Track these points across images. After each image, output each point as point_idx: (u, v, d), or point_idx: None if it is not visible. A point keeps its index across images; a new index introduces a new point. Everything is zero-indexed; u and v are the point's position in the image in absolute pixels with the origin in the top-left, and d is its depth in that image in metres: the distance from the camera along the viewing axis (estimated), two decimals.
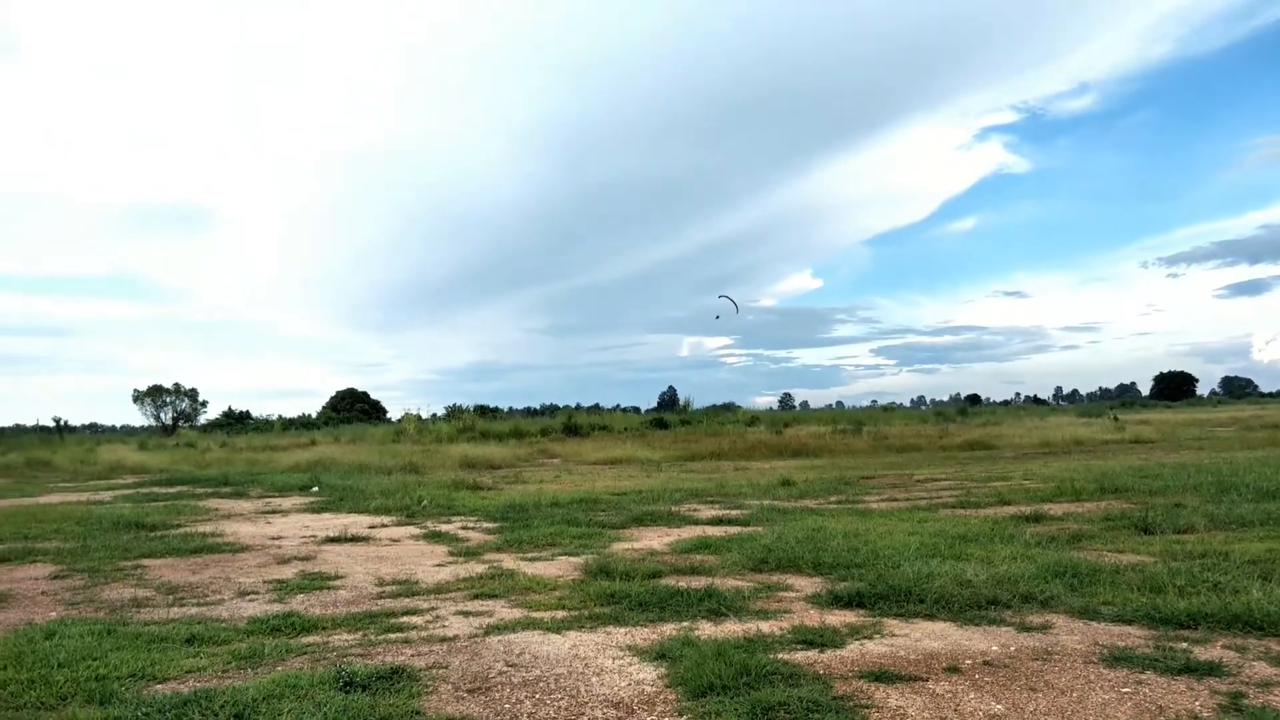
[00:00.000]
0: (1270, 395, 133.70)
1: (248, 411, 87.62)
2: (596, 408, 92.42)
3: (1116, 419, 53.74)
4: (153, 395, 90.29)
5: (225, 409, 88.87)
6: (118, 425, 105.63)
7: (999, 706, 4.96)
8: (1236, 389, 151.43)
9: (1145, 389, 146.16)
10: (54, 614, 8.08)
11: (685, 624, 7.03)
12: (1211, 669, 5.47)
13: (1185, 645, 6.02)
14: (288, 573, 10.10)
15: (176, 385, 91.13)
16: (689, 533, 12.40)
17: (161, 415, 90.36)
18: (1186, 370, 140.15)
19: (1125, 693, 5.13)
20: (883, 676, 5.51)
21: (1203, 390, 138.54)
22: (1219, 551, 9.18)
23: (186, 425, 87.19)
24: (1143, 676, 5.42)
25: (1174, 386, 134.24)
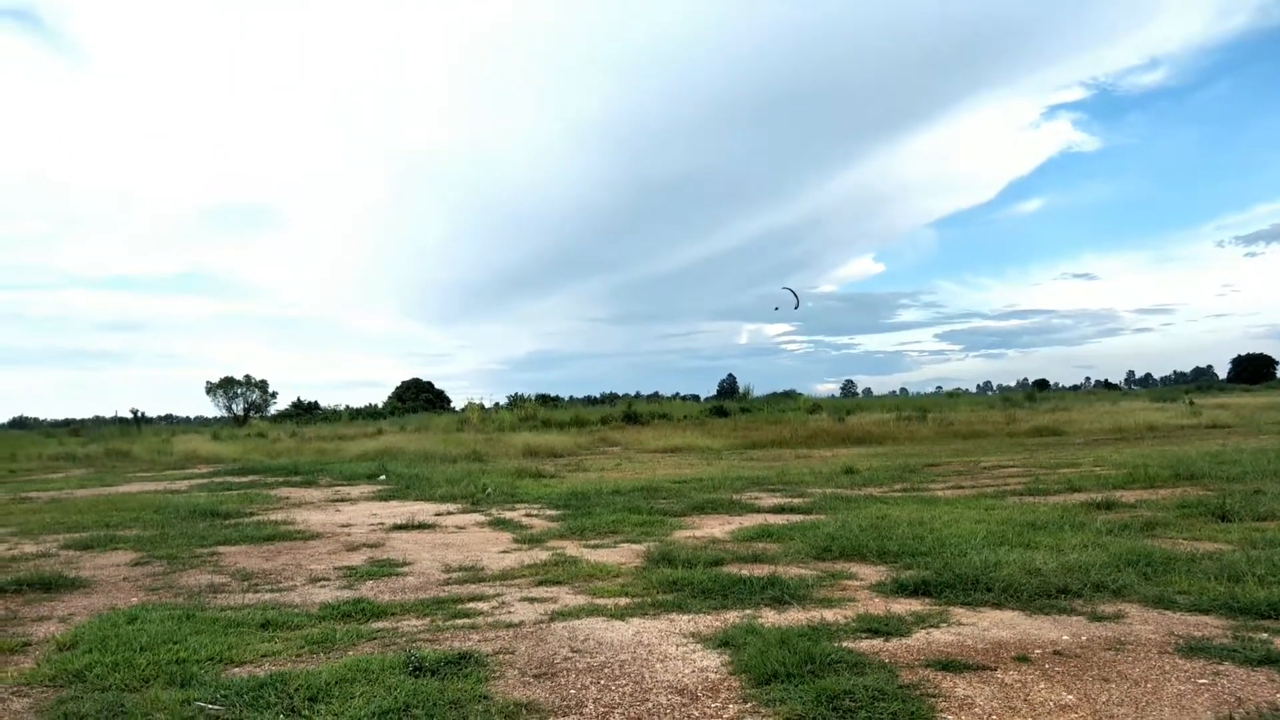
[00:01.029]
0: None
1: (316, 402, 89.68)
2: (656, 396, 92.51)
3: (1192, 403, 52.13)
4: (225, 387, 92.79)
5: (294, 400, 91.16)
6: (191, 417, 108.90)
7: (1070, 697, 4.88)
8: None
9: (1222, 372, 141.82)
10: (135, 599, 8.37)
11: (748, 611, 7.03)
12: None
13: (1265, 636, 5.84)
14: (357, 559, 10.32)
15: (247, 377, 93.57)
16: (751, 521, 12.37)
17: (233, 406, 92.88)
18: (1266, 352, 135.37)
19: (1202, 684, 5.01)
20: (950, 665, 5.45)
21: None
22: None
23: (257, 416, 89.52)
24: (1220, 667, 5.28)
25: (1252, 369, 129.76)
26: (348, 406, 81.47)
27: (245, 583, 9.13)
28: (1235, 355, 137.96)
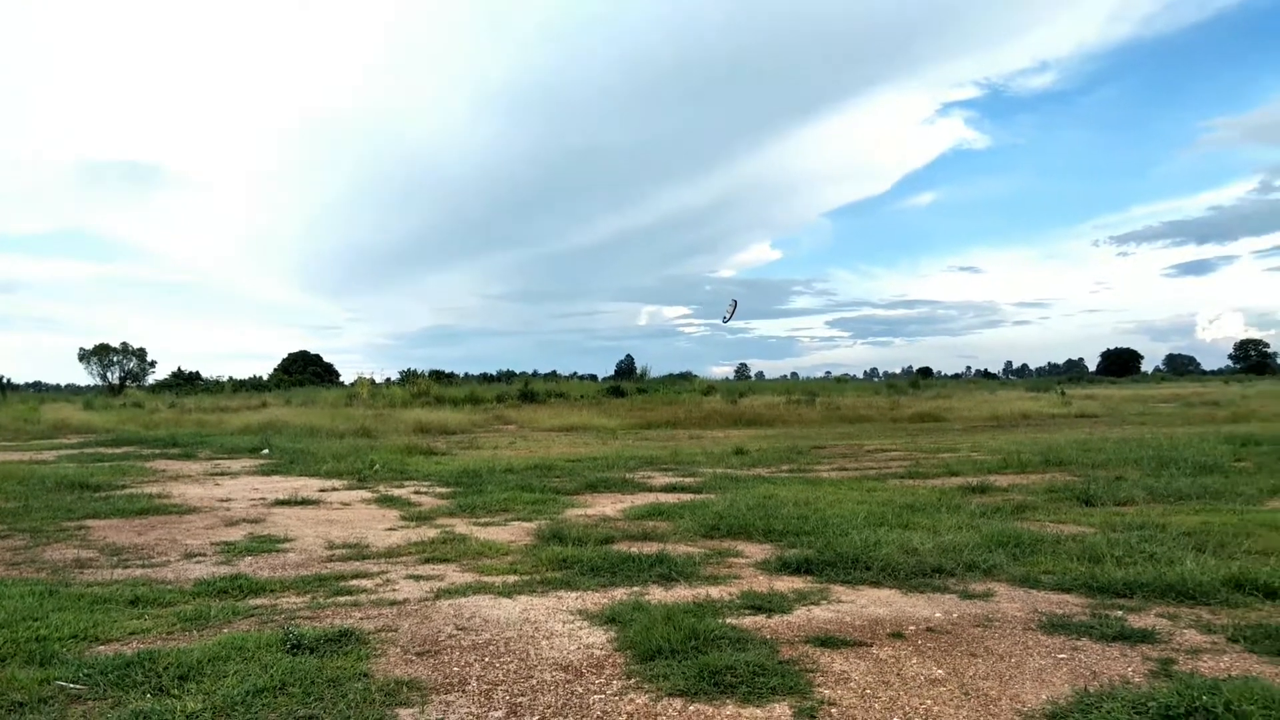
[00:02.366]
0: (1211, 373, 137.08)
1: (197, 372, 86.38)
2: (554, 375, 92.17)
3: (1063, 394, 54.92)
4: (99, 354, 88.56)
5: (174, 369, 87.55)
6: (62, 384, 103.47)
7: (940, 671, 5.07)
8: (1179, 366, 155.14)
9: (1092, 365, 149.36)
10: None
11: (636, 589, 7.08)
12: (1144, 636, 5.63)
13: (1121, 613, 6.19)
14: (236, 535, 10.00)
15: (124, 345, 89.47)
16: (643, 499, 12.47)
17: (108, 375, 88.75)
18: (1132, 347, 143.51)
19: (1061, 658, 5.28)
20: (828, 642, 5.61)
21: (1147, 367, 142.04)
22: (1156, 523, 9.44)
23: (134, 385, 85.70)
24: (1079, 643, 5.57)
25: (1120, 363, 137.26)
26: (231, 378, 78.57)
27: (114, 558, 8.74)
28: (1105, 349, 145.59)
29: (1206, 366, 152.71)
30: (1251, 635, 5.56)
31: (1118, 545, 8.11)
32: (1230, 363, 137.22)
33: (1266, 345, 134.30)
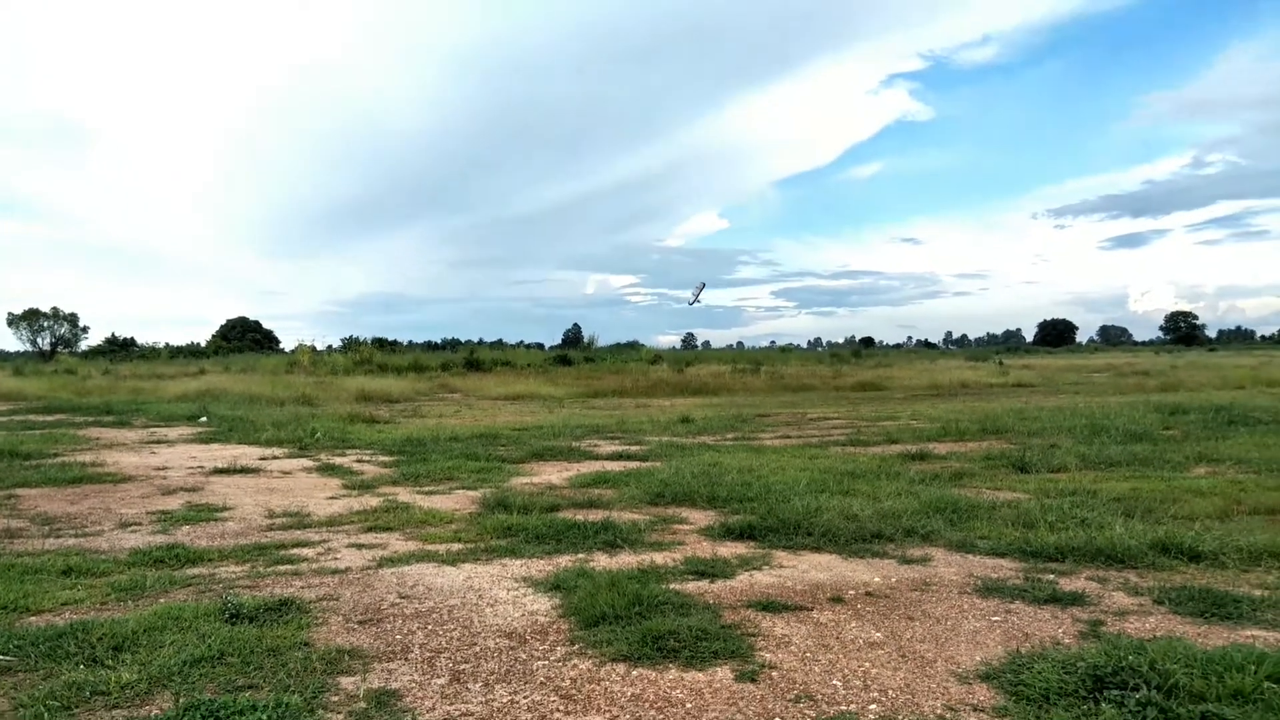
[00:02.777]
0: (1143, 344, 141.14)
1: (132, 339, 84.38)
2: (500, 343, 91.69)
3: (1001, 363, 56.09)
4: (29, 320, 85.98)
5: (108, 335, 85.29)
6: None
7: (878, 634, 5.18)
8: (1113, 337, 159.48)
9: (1029, 335, 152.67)
10: None
11: (581, 556, 7.10)
12: (1075, 599, 5.80)
13: (1052, 577, 6.36)
14: (173, 504, 9.81)
15: (55, 309, 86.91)
16: (588, 467, 12.48)
17: (39, 340, 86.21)
18: (1068, 318, 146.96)
19: (995, 621, 5.42)
20: (770, 606, 5.69)
21: (1081, 338, 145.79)
22: (1088, 490, 9.71)
23: (66, 351, 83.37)
24: (1012, 606, 5.72)
25: (1055, 334, 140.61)
26: (167, 344, 76.88)
27: (46, 527, 8.53)
28: (1041, 320, 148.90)
29: (1138, 337, 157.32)
30: (1176, 597, 5.76)
31: (1051, 511, 8.32)
32: (1161, 334, 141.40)
33: (1195, 317, 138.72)
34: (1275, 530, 7.56)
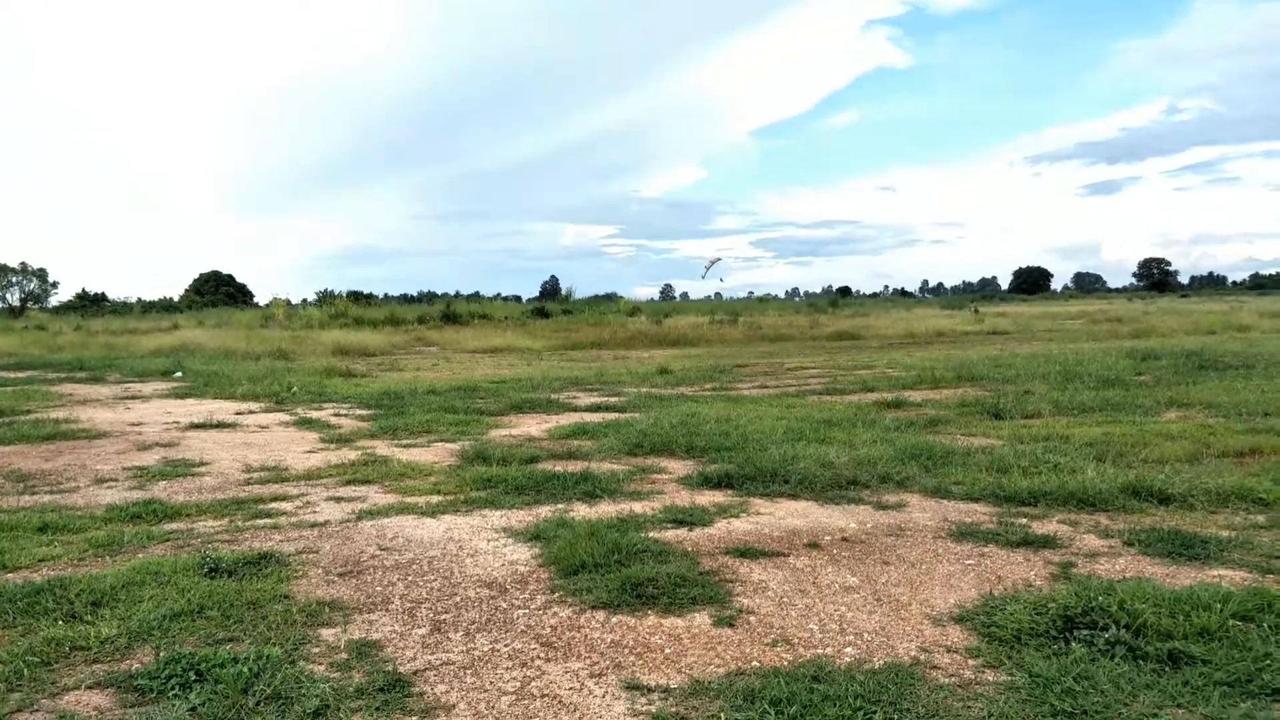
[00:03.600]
0: (1116, 290, 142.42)
1: (104, 294, 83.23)
2: (477, 296, 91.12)
3: (977, 311, 56.50)
4: None
5: (79, 291, 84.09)
6: None
7: (854, 579, 5.25)
8: (1087, 284, 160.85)
9: (1005, 283, 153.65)
10: None
11: (561, 506, 7.14)
12: (1047, 542, 5.90)
13: (1025, 521, 6.46)
14: (149, 460, 9.75)
15: (23, 265, 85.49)
16: (567, 419, 12.50)
17: (7, 297, 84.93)
18: (1043, 266, 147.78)
19: (969, 564, 5.51)
20: (747, 552, 5.75)
21: (1056, 285, 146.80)
22: (1061, 435, 9.84)
23: (36, 307, 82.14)
24: (985, 550, 5.82)
25: (1030, 281, 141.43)
26: (140, 299, 75.84)
27: (20, 484, 8.45)
28: (1017, 268, 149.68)
29: (1112, 284, 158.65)
30: (1145, 539, 5.87)
31: (1024, 456, 8.43)
32: (1134, 280, 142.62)
33: (1168, 263, 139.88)
34: (1243, 473, 7.71)
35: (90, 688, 3.85)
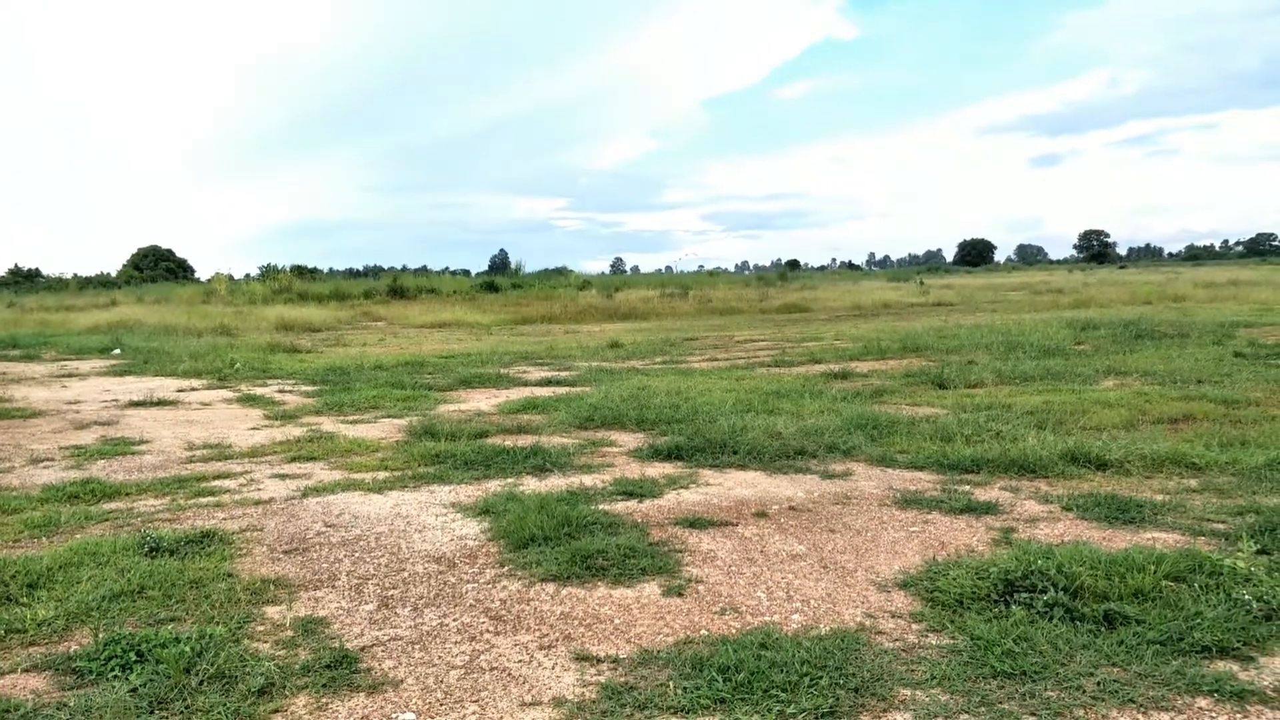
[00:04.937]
0: (1058, 262, 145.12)
1: (37, 269, 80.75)
2: (424, 270, 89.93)
3: (922, 283, 57.28)
4: None
5: (11, 266, 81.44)
6: None
7: (801, 547, 5.31)
8: (1029, 256, 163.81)
9: (950, 255, 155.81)
10: None
11: (510, 480, 7.11)
12: (989, 508, 6.02)
13: (968, 488, 6.59)
14: (87, 438, 9.51)
15: None
16: (517, 394, 12.45)
17: None
18: (987, 238, 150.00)
19: (913, 531, 5.60)
20: (696, 523, 5.79)
21: (1000, 257, 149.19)
22: (1003, 404, 10.03)
23: None
24: (929, 516, 5.92)
25: (975, 253, 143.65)
26: (76, 275, 73.76)
27: None
28: (961, 240, 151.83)
29: (1053, 256, 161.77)
30: (1083, 504, 6.02)
31: (967, 425, 8.58)
32: (1075, 252, 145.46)
33: (1107, 235, 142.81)
34: (1177, 438, 7.93)
35: (27, 670, 3.77)
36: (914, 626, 4.09)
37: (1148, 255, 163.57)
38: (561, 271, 68.45)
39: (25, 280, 75.46)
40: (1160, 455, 7.18)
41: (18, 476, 7.72)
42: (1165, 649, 3.71)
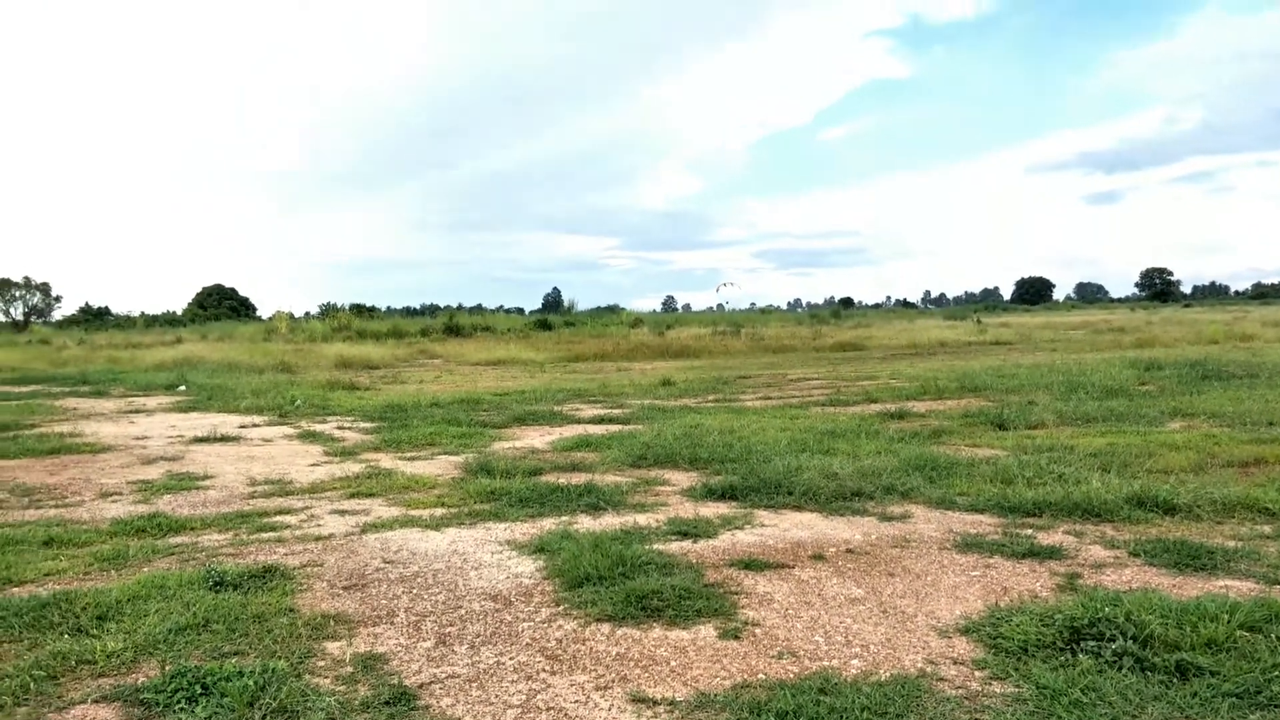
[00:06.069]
0: (1119, 300, 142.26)
1: (107, 308, 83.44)
2: (479, 308, 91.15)
3: (979, 321, 56.45)
4: (0, 290, 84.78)
5: (82, 305, 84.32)
6: None
7: (859, 590, 5.24)
8: (1089, 294, 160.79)
9: (1007, 293, 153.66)
10: None
11: (565, 519, 7.13)
12: (1052, 553, 5.89)
13: (1030, 531, 6.45)
14: (153, 473, 9.76)
15: (26, 279, 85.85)
16: (570, 431, 12.50)
17: (11, 311, 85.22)
18: (1044, 276, 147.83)
19: (974, 575, 5.49)
20: (752, 564, 5.74)
21: (1058, 295, 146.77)
22: (1065, 445, 9.82)
23: (39, 321, 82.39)
24: (991, 561, 5.80)
25: (1033, 291, 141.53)
26: (143, 313, 76.03)
27: (26, 498, 8.47)
28: (1019, 278, 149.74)
29: (1114, 294, 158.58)
30: (1151, 549, 5.85)
31: (1028, 467, 8.42)
32: (1136, 290, 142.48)
33: (1170, 273, 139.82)
34: (1248, 483, 7.69)
35: (96, 701, 3.85)
36: (977, 674, 4.00)
37: (1213, 293, 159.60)
38: (613, 309, 68.87)
39: (95, 318, 77.98)
40: (1231, 500, 6.96)
41: (88, 510, 7.93)
42: (1242, 702, 3.59)
